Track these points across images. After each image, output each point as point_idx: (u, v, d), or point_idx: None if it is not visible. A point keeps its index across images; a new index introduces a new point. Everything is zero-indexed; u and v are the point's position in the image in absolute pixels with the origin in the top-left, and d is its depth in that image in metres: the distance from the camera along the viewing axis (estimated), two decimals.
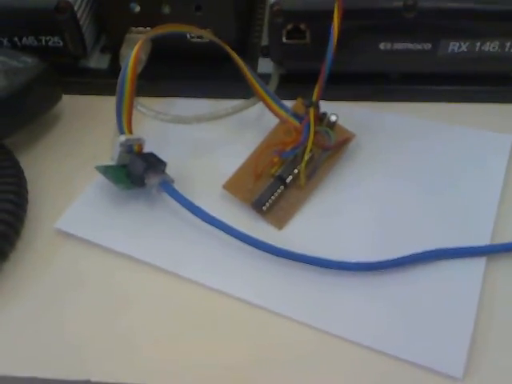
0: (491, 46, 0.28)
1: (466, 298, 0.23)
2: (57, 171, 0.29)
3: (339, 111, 0.28)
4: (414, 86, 0.31)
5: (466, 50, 0.28)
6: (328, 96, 0.28)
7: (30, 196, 0.28)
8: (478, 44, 0.28)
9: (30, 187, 0.28)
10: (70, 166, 0.29)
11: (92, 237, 0.26)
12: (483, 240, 0.24)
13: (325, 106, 0.28)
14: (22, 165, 0.28)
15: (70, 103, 0.32)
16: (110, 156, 0.29)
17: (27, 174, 0.28)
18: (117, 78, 0.31)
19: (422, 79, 0.30)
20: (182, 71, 0.32)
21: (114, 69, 0.32)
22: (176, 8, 0.30)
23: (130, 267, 0.25)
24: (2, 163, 0.27)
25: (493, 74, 0.30)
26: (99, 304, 0.25)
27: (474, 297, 0.23)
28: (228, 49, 0.29)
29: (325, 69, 0.27)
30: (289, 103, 0.29)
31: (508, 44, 0.28)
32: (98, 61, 0.33)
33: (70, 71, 0.32)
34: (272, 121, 0.29)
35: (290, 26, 0.28)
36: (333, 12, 0.27)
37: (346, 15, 0.27)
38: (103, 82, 0.33)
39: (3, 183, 0.27)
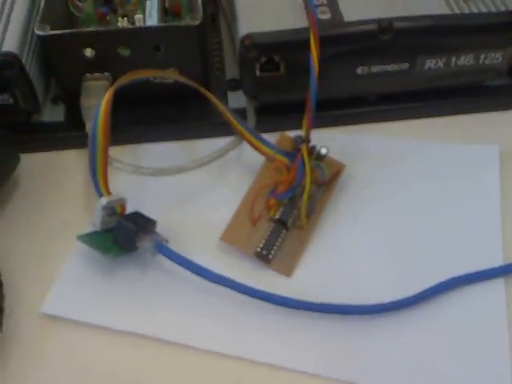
0: (466, 60, 0.28)
1: (495, 322, 0.23)
2: (27, 245, 0.26)
3: (320, 139, 0.27)
4: (391, 105, 0.30)
5: (442, 65, 0.28)
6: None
7: (4, 278, 0.24)
8: (454, 59, 0.28)
9: (1, 268, 0.24)
10: (41, 237, 0.26)
11: (85, 317, 0.23)
12: (496, 260, 0.24)
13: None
14: None
15: (27, 164, 0.29)
16: (83, 218, 0.27)
17: None
18: (76, 131, 0.29)
19: (398, 98, 0.30)
20: (146, 115, 0.30)
21: (72, 120, 0.30)
22: (134, 50, 0.28)
23: (135, 345, 0.23)
24: None
25: (467, 85, 0.30)
26: None
27: (503, 319, 0.22)
28: (200, 88, 0.27)
29: (310, 102, 0.26)
30: (266, 136, 0.28)
31: (482, 56, 0.28)
32: (51, 113, 0.30)
33: (22, 128, 0.29)
34: (255, 159, 0.28)
35: (263, 59, 0.27)
36: (306, 41, 0.26)
37: (322, 43, 0.26)
38: (62, 136, 0.30)
39: None
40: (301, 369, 0.22)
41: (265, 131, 0.28)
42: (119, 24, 0.30)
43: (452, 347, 0.22)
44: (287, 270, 0.25)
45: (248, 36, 0.27)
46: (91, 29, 0.28)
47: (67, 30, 0.27)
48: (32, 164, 0.29)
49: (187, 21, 0.27)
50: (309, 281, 0.24)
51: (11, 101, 0.27)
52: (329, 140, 0.28)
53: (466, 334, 0.22)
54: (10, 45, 0.27)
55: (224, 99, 0.31)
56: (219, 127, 0.29)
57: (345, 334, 0.23)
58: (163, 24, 0.28)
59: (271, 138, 0.28)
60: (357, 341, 0.23)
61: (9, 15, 0.28)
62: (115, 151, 0.27)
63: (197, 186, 0.28)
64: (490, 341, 0.22)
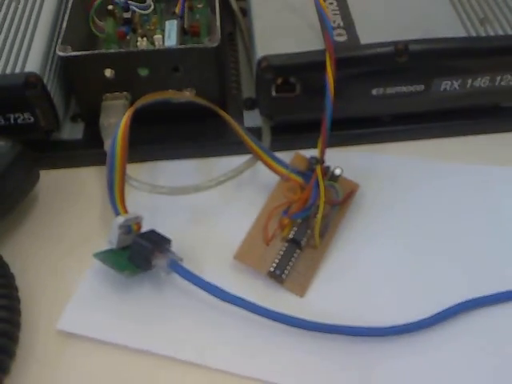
0: (482, 82, 0.28)
1: None
2: (45, 260, 0.27)
3: (334, 158, 0.27)
4: (405, 125, 0.30)
5: (457, 87, 0.28)
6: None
7: (21, 294, 0.25)
8: (470, 81, 0.28)
9: (18, 283, 0.25)
10: (58, 253, 0.27)
11: (100, 334, 0.24)
12: None
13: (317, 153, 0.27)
14: (6, 259, 0.25)
15: (46, 180, 0.29)
16: (99, 235, 0.27)
17: (13, 268, 0.25)
18: (94, 148, 0.30)
19: (414, 118, 0.30)
20: (162, 133, 0.31)
21: (90, 138, 0.31)
22: (153, 70, 0.29)
23: (150, 364, 0.23)
24: None
25: (483, 107, 0.30)
26: None
27: None
28: (217, 109, 0.28)
29: (326, 123, 0.26)
30: (280, 154, 0.28)
31: (498, 78, 0.28)
32: (70, 131, 0.31)
33: (41, 146, 0.30)
34: (270, 178, 0.28)
35: (279, 81, 0.27)
36: (322, 63, 0.26)
37: (338, 65, 0.26)
38: (80, 154, 0.30)
39: None
40: None
41: (280, 149, 0.29)
42: (139, 44, 0.31)
43: (470, 371, 0.22)
44: (300, 290, 0.25)
45: (265, 58, 0.27)
46: (112, 50, 0.29)
47: (88, 52, 0.28)
48: (50, 180, 0.30)
49: (205, 43, 0.28)
50: (322, 301, 0.24)
51: (32, 119, 0.28)
52: (343, 159, 0.28)
53: (483, 357, 0.22)
54: (33, 65, 0.27)
55: (240, 118, 0.31)
56: (235, 146, 0.29)
57: (358, 356, 0.23)
58: (182, 46, 0.29)
59: (286, 156, 0.28)
60: (371, 363, 0.22)
61: (32, 36, 0.29)
62: (132, 168, 0.27)
63: (211, 205, 0.28)
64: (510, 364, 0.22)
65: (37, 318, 0.24)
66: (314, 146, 0.27)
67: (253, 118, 0.31)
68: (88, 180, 0.30)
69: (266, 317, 0.23)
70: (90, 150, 0.30)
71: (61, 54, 0.28)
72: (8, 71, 0.27)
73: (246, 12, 0.35)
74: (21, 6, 0.31)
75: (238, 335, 0.23)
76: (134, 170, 0.28)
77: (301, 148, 0.29)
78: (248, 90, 0.32)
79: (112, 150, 0.25)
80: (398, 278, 0.25)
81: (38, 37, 0.29)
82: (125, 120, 0.25)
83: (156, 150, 0.30)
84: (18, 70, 0.27)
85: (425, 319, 0.23)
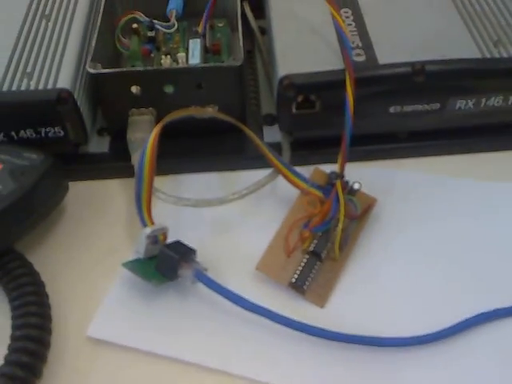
0: (495, 101, 0.29)
1: None
2: (74, 269, 0.28)
3: (352, 173, 0.28)
4: (421, 142, 0.31)
5: (472, 106, 0.29)
6: (337, 158, 0.28)
7: (51, 301, 0.26)
8: (484, 100, 0.29)
9: (48, 291, 0.26)
10: (86, 262, 0.28)
11: (129, 341, 0.24)
12: None
13: (335, 169, 0.28)
14: (36, 267, 0.27)
15: (74, 191, 0.30)
16: (125, 245, 0.28)
17: (43, 277, 0.26)
18: (120, 161, 0.31)
19: (429, 135, 0.31)
20: (186, 147, 0.32)
21: (116, 151, 0.32)
22: (178, 87, 0.30)
23: (177, 371, 0.24)
24: (16, 271, 0.26)
25: (496, 124, 0.31)
26: None
27: None
28: (238, 124, 0.29)
29: (345, 140, 0.27)
30: (299, 169, 0.29)
31: (511, 97, 0.29)
32: (97, 145, 0.32)
33: (69, 158, 0.31)
34: (290, 191, 0.29)
35: (300, 98, 0.29)
36: (342, 82, 0.27)
37: (357, 84, 0.27)
38: (106, 166, 0.32)
39: (22, 295, 0.25)
40: None
41: (299, 164, 0.30)
42: (162, 61, 0.32)
43: (488, 381, 0.23)
44: (321, 301, 0.26)
45: (286, 77, 0.28)
46: (140, 68, 0.30)
47: (117, 69, 0.29)
48: (78, 192, 0.31)
49: (230, 61, 0.29)
50: (342, 312, 0.25)
51: (62, 133, 0.29)
52: (360, 174, 0.29)
53: (503, 368, 0.23)
54: (64, 81, 0.29)
55: (259, 133, 0.32)
56: (256, 160, 0.30)
57: (378, 366, 0.23)
58: (207, 64, 0.30)
59: (305, 171, 0.29)
60: (390, 373, 0.23)
61: (62, 52, 0.30)
62: (157, 181, 0.28)
63: (234, 217, 0.29)
64: None
65: (67, 325, 0.25)
66: (331, 161, 0.28)
67: (272, 134, 0.32)
68: (114, 192, 0.31)
69: (287, 326, 0.24)
70: (116, 163, 0.31)
71: (91, 71, 0.29)
72: (40, 87, 0.28)
73: (264, 31, 0.37)
74: (51, 24, 0.32)
75: (260, 343, 0.24)
76: (160, 182, 0.29)
77: (320, 163, 0.30)
78: (267, 107, 0.33)
79: (141, 165, 0.26)
80: (415, 289, 0.26)
81: (68, 53, 0.30)
82: (153, 136, 0.26)
83: (180, 164, 0.31)
84: (50, 86, 0.28)
85: (444, 330, 0.24)
